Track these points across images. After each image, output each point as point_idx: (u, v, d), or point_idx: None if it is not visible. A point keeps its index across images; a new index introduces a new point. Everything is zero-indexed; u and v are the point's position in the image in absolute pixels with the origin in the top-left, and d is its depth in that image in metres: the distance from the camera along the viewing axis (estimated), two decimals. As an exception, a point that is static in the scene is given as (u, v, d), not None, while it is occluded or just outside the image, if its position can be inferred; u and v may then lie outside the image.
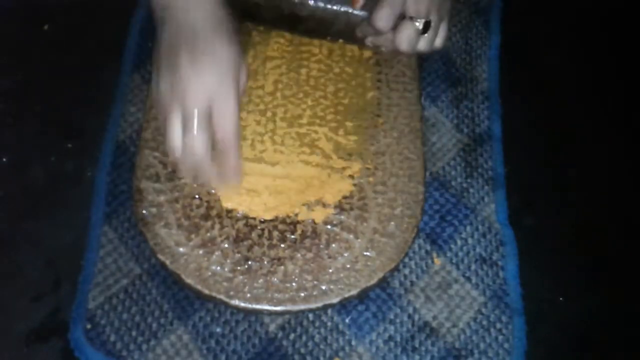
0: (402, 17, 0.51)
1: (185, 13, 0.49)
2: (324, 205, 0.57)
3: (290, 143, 0.60)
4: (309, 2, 0.54)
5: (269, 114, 0.62)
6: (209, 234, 0.55)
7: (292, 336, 0.54)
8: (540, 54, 0.71)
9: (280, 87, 0.63)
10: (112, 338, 0.54)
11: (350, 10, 0.53)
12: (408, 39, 0.51)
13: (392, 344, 0.54)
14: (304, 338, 0.54)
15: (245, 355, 0.53)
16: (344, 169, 0.59)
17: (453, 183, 0.62)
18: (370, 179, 0.59)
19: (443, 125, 0.65)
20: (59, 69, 0.68)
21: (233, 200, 0.56)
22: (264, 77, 0.64)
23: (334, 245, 0.55)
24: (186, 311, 0.55)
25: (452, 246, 0.59)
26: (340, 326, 0.55)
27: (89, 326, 0.54)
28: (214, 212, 0.56)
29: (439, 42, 0.55)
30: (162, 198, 0.57)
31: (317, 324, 0.55)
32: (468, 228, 0.60)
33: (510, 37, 0.72)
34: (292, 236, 0.56)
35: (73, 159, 0.63)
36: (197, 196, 0.56)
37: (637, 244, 0.61)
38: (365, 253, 0.55)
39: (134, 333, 0.54)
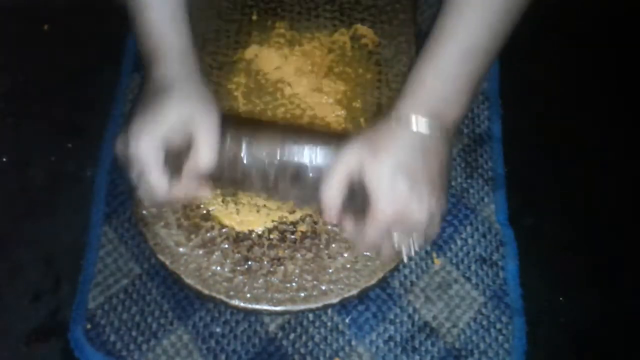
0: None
1: (155, 70, 0.50)
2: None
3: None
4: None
5: (269, 113, 0.62)
6: (209, 234, 0.55)
7: (292, 336, 0.54)
8: (540, 54, 0.71)
9: (280, 87, 0.63)
10: (112, 338, 0.54)
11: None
12: (388, 256, 0.49)
13: (392, 344, 0.54)
14: (304, 338, 0.54)
15: (245, 355, 0.53)
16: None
17: (453, 183, 0.62)
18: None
19: (443, 125, 0.65)
20: (59, 69, 0.68)
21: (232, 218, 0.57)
22: (264, 76, 0.64)
23: (334, 245, 0.55)
24: (186, 311, 0.55)
25: (452, 246, 0.59)
26: (340, 326, 0.55)
27: (89, 326, 0.54)
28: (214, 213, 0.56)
29: (420, 247, 0.50)
30: (162, 198, 0.57)
31: (317, 324, 0.55)
32: (468, 228, 0.60)
33: (510, 37, 0.71)
34: (292, 236, 0.56)
35: (73, 159, 0.63)
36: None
37: (637, 244, 0.61)
38: (365, 253, 0.55)
39: (134, 333, 0.54)
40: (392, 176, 0.45)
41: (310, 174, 0.50)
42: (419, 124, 0.46)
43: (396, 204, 0.45)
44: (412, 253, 0.48)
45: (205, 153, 0.47)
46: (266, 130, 0.51)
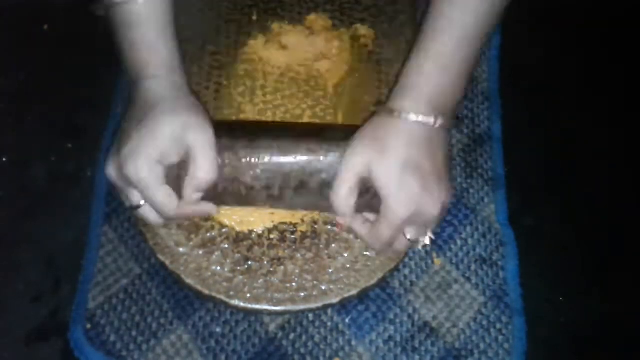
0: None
1: (145, 90, 0.49)
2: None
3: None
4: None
5: (268, 113, 0.62)
6: (209, 234, 0.55)
7: (292, 336, 0.54)
8: (540, 53, 0.71)
9: (280, 87, 0.63)
10: (112, 338, 0.54)
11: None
12: (402, 251, 0.50)
13: (392, 344, 0.54)
14: (304, 338, 0.54)
15: (245, 355, 0.53)
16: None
17: (453, 183, 0.62)
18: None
19: (443, 125, 0.65)
20: (59, 69, 0.68)
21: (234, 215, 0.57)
22: (264, 77, 0.64)
23: (334, 245, 0.55)
24: (186, 311, 0.55)
25: (452, 246, 0.59)
26: (340, 326, 0.55)
27: (89, 326, 0.54)
28: (214, 212, 0.56)
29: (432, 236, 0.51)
30: (162, 198, 0.57)
31: (317, 324, 0.55)
32: (468, 228, 0.60)
33: (510, 37, 0.71)
34: (292, 236, 0.56)
35: (73, 159, 0.63)
36: None
37: (637, 244, 0.61)
38: (365, 253, 0.55)
39: (134, 333, 0.54)
40: (402, 174, 0.44)
41: (315, 182, 0.50)
42: (420, 115, 0.46)
43: (409, 203, 0.44)
44: (427, 241, 0.48)
45: (204, 166, 0.46)
46: (263, 139, 0.50)
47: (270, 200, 0.51)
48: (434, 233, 0.48)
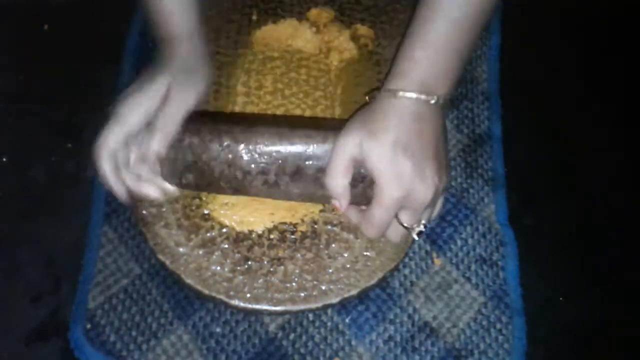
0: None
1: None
2: (324, 205, 0.57)
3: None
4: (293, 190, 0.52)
5: (269, 113, 0.62)
6: (209, 234, 0.55)
7: (292, 336, 0.54)
8: (541, 54, 0.71)
9: (280, 87, 0.63)
10: (112, 338, 0.54)
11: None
12: (397, 236, 0.49)
13: (392, 344, 0.54)
14: (304, 338, 0.54)
15: (245, 355, 0.53)
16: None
17: (453, 183, 0.62)
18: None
19: (443, 126, 0.65)
20: (59, 69, 0.68)
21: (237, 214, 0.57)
22: (264, 77, 0.64)
23: (334, 245, 0.55)
24: (186, 311, 0.55)
25: (452, 246, 0.59)
26: (340, 326, 0.55)
27: (89, 326, 0.54)
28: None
29: (428, 222, 0.50)
30: (162, 198, 0.57)
31: (317, 324, 0.55)
32: (468, 228, 0.60)
33: (510, 37, 0.71)
34: (292, 236, 0.56)
35: (73, 159, 0.63)
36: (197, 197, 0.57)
37: (637, 244, 0.61)
38: (365, 253, 0.55)
39: (134, 333, 0.54)
40: (393, 156, 0.44)
41: (311, 168, 0.50)
42: (410, 99, 0.46)
43: (401, 186, 0.44)
44: (422, 228, 0.48)
45: (155, 137, 0.47)
46: (261, 127, 0.51)
47: (266, 187, 0.51)
48: (430, 222, 0.47)
